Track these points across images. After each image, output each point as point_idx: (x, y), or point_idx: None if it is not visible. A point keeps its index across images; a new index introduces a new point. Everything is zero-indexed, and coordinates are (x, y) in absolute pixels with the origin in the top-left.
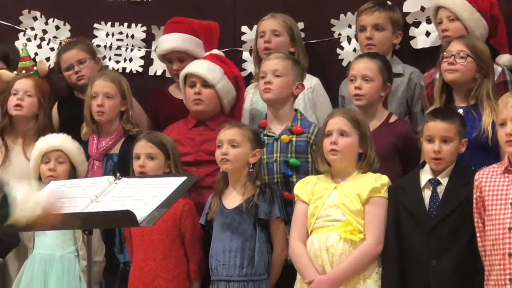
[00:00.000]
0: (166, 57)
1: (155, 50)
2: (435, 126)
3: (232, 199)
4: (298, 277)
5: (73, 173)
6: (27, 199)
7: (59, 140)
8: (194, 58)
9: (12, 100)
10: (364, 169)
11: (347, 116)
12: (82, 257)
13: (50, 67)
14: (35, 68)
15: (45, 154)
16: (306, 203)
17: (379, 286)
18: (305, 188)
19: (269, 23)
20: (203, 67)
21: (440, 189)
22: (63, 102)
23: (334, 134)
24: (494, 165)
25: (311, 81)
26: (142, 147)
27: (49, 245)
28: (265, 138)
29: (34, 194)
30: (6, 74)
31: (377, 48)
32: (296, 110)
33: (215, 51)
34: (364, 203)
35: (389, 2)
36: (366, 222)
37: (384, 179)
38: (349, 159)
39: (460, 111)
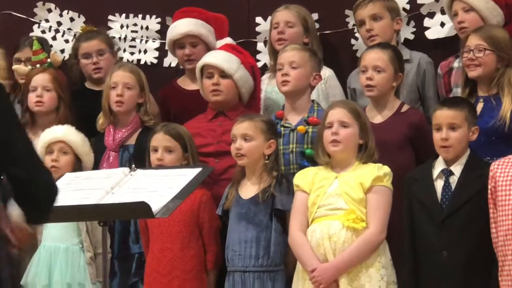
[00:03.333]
0: (178, 42)
1: None
2: (442, 114)
3: (248, 190)
4: (298, 267)
5: (78, 164)
6: None
7: (62, 131)
8: (206, 45)
9: (32, 97)
10: (364, 160)
11: (347, 107)
12: (86, 249)
13: (65, 59)
14: (48, 60)
15: (49, 145)
16: (306, 192)
17: (381, 274)
18: (305, 178)
19: (283, 14)
20: (219, 58)
21: (453, 180)
22: (74, 94)
23: (335, 125)
24: (510, 156)
25: (325, 72)
26: (160, 139)
27: (54, 237)
28: (282, 128)
29: None
30: (22, 69)
31: (379, 38)
32: (313, 101)
33: (229, 40)
34: (367, 191)
35: None
36: (369, 211)
37: (386, 169)
38: (350, 150)
39: (481, 100)
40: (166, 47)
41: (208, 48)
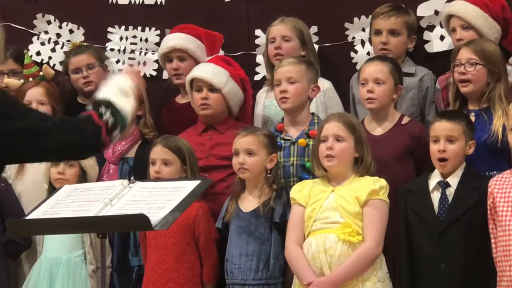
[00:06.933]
0: (167, 56)
1: None
2: (440, 126)
3: (249, 203)
4: (295, 280)
5: (83, 177)
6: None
7: None
8: (195, 59)
9: None
10: (361, 173)
11: (342, 121)
12: (90, 261)
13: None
14: (41, 73)
15: None
16: (302, 206)
17: None
18: (301, 191)
19: (278, 29)
20: (208, 71)
21: (449, 192)
22: (66, 108)
23: (330, 139)
24: (507, 171)
25: (323, 84)
26: (158, 152)
27: (56, 248)
28: (282, 141)
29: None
30: (14, 82)
31: (392, 53)
32: (313, 113)
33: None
34: (363, 205)
35: (403, 5)
36: (365, 224)
37: (382, 182)
38: (345, 163)
39: (472, 114)
40: (159, 60)
41: (198, 63)
